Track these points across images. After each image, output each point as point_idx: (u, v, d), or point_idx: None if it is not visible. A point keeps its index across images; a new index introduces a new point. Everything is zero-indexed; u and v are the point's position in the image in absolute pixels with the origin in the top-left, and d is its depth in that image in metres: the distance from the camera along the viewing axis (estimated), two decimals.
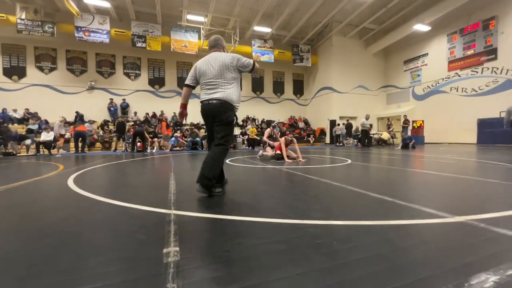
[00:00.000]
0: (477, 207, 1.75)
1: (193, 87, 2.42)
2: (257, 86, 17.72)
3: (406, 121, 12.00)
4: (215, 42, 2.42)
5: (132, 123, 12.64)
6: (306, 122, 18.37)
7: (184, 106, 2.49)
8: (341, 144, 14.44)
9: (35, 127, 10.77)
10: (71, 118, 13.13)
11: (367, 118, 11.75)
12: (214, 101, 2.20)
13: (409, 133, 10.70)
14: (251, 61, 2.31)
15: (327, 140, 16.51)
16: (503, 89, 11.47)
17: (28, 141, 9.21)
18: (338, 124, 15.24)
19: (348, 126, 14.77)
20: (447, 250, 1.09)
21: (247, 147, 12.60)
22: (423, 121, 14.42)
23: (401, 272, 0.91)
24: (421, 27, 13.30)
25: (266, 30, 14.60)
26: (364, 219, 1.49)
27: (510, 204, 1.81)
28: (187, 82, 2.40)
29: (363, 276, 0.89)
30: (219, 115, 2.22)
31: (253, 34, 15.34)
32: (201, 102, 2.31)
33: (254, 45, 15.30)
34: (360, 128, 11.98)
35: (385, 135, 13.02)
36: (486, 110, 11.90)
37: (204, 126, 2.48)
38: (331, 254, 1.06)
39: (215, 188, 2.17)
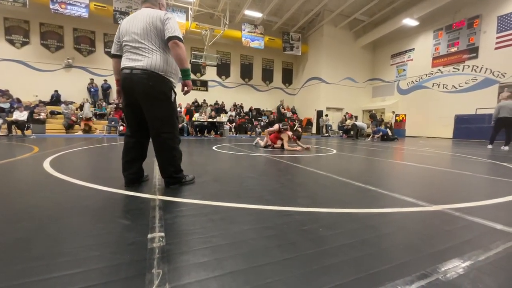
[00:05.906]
0: (453, 197, 1.85)
1: (121, 56, 1.87)
2: (246, 73, 17.39)
3: (371, 116, 12.24)
4: None
5: (115, 105, 12.10)
6: (293, 112, 18.43)
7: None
8: (327, 134, 14.82)
9: (6, 105, 10.00)
10: (46, 97, 12.33)
11: (368, 126, 12.52)
12: (138, 72, 1.72)
13: (381, 128, 11.26)
14: (179, 33, 1.75)
15: (313, 130, 16.75)
16: (480, 87, 12.02)
17: None
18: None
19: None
20: (425, 237, 1.14)
21: (234, 135, 12.51)
22: (405, 115, 14.92)
23: (383, 257, 0.95)
24: (410, 22, 13.45)
25: (257, 14, 14.17)
26: (349, 207, 1.53)
27: (482, 195, 1.93)
28: (112, 51, 1.90)
29: (348, 261, 0.91)
30: (149, 91, 1.75)
31: (244, 18, 14.85)
32: (122, 70, 1.78)
33: (244, 30, 14.87)
34: (352, 122, 12.80)
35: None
36: (463, 107, 12.47)
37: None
38: (317, 240, 1.08)
39: (185, 178, 2.00)
